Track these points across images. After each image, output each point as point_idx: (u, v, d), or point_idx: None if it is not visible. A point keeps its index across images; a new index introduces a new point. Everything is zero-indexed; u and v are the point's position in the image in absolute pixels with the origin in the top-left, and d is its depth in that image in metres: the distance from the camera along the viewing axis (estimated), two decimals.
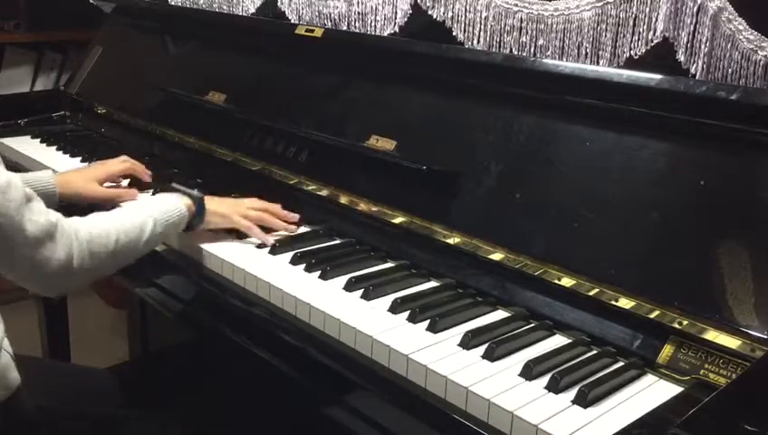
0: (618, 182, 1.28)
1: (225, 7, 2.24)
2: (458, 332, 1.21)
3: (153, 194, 1.68)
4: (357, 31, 1.86)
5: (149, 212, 1.39)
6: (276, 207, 1.59)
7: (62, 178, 1.69)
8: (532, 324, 1.26)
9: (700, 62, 1.32)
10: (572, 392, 1.06)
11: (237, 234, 1.55)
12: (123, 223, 1.34)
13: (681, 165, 1.24)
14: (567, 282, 1.25)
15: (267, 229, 1.54)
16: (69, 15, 2.87)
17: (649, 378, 1.13)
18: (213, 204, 1.52)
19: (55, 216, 1.23)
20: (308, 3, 1.97)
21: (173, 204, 1.45)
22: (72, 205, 1.65)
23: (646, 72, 1.29)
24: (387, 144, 1.58)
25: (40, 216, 1.19)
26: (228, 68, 2.10)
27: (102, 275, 1.34)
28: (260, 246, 1.50)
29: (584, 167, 1.32)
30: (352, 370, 1.20)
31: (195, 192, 1.50)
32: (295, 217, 1.61)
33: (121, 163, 1.76)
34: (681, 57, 1.34)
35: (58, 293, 1.38)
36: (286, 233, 1.57)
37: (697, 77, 1.32)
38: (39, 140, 2.18)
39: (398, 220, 1.50)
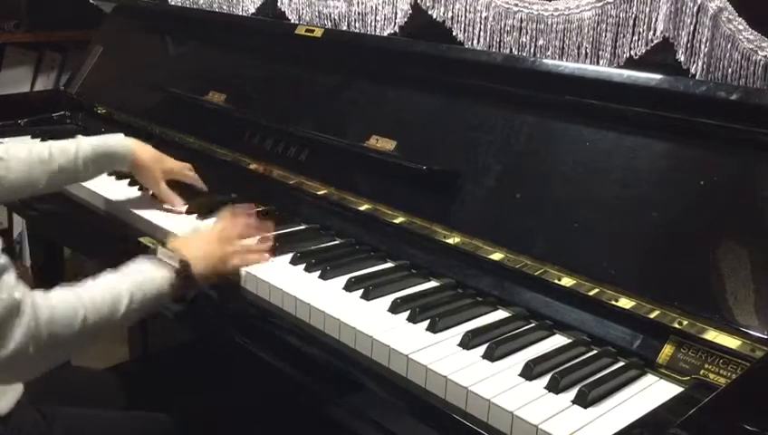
0: (618, 182, 1.28)
1: (224, 7, 2.24)
2: (458, 332, 1.21)
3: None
4: (357, 31, 1.86)
5: (125, 286, 1.24)
6: (250, 223, 1.48)
7: (136, 146, 1.70)
8: (532, 324, 1.26)
9: (700, 62, 1.32)
10: (573, 392, 1.06)
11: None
12: (94, 299, 1.19)
13: (681, 165, 1.24)
14: (567, 282, 1.25)
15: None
16: (69, 15, 2.87)
17: (649, 378, 1.13)
18: (199, 265, 1.34)
19: (21, 292, 1.09)
20: (308, 3, 1.97)
21: (152, 279, 1.27)
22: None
23: (646, 72, 1.29)
24: (387, 144, 1.58)
25: (2, 292, 1.06)
26: (228, 68, 2.10)
27: (67, 357, 1.23)
28: None
29: (584, 167, 1.32)
30: (352, 370, 1.20)
31: (177, 264, 1.31)
32: (269, 225, 1.52)
33: (189, 170, 1.76)
34: (681, 57, 1.34)
35: (11, 381, 1.23)
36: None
37: (697, 77, 1.32)
38: (39, 140, 2.18)
39: (398, 220, 1.50)
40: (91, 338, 1.21)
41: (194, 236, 1.44)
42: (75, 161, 1.62)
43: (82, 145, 1.64)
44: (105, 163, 1.68)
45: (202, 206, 1.69)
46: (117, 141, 1.69)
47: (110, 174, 1.83)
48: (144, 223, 1.65)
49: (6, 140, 2.17)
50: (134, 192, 1.78)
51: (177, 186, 1.74)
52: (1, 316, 1.06)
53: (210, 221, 1.58)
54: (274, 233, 1.54)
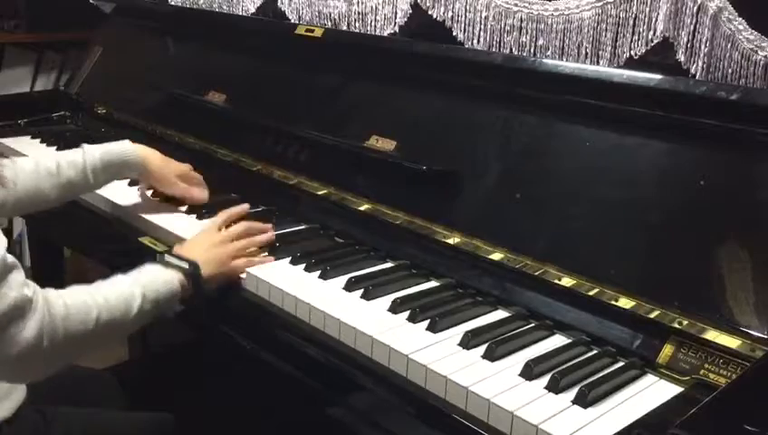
0: (617, 182, 1.28)
1: (225, 7, 2.24)
2: (458, 332, 1.21)
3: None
4: (357, 31, 1.86)
5: (138, 287, 1.25)
6: (250, 224, 1.49)
7: (146, 153, 1.67)
8: (532, 324, 1.26)
9: (700, 62, 1.32)
10: (572, 392, 1.06)
11: None
12: (107, 298, 1.20)
13: (681, 165, 1.24)
14: (567, 282, 1.25)
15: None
16: (69, 15, 2.86)
17: (649, 378, 1.13)
18: (206, 268, 1.36)
19: (32, 289, 1.10)
20: (308, 3, 1.97)
21: (164, 280, 1.29)
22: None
23: (646, 72, 1.29)
24: (387, 144, 1.58)
25: (12, 290, 1.06)
26: (228, 68, 2.10)
27: (80, 357, 1.23)
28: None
29: (584, 167, 1.32)
30: (352, 370, 1.19)
31: (186, 266, 1.33)
32: (269, 225, 1.53)
33: (190, 170, 1.74)
34: (681, 57, 1.34)
35: (25, 379, 1.23)
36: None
37: (697, 77, 1.32)
38: (39, 140, 2.18)
39: (398, 220, 1.50)
40: (105, 338, 1.21)
41: (197, 240, 1.44)
42: (84, 173, 1.59)
43: (90, 155, 1.60)
44: (115, 172, 1.65)
45: (202, 206, 1.69)
46: (125, 149, 1.65)
47: None
48: (144, 223, 1.65)
49: (10, 140, 2.17)
50: (134, 192, 1.78)
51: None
52: (11, 313, 1.06)
53: (208, 222, 1.57)
54: (276, 233, 1.54)
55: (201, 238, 1.45)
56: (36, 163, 1.56)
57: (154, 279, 1.29)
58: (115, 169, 1.64)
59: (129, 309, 1.22)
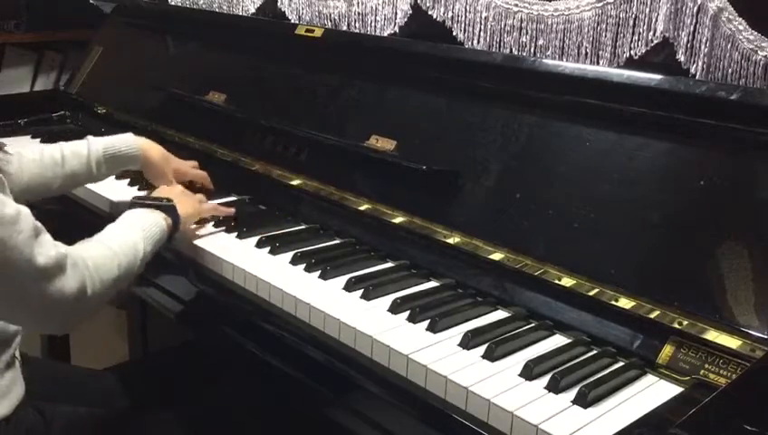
0: (617, 182, 1.28)
1: (225, 7, 2.24)
2: (458, 332, 1.21)
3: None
4: (357, 31, 1.86)
5: (137, 231, 1.37)
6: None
7: (146, 146, 1.72)
8: (532, 324, 1.26)
9: (700, 63, 1.32)
10: (572, 392, 1.06)
11: (238, 234, 1.55)
12: (121, 246, 1.31)
13: (681, 165, 1.24)
14: (567, 282, 1.25)
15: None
16: (69, 15, 2.86)
17: (649, 378, 1.13)
18: (180, 207, 1.49)
19: (64, 247, 1.20)
20: (308, 3, 1.97)
21: (153, 220, 1.42)
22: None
23: (646, 72, 1.29)
24: (387, 144, 1.59)
25: (49, 248, 1.16)
26: (228, 68, 2.10)
27: (106, 302, 1.32)
28: (259, 245, 1.50)
29: (584, 167, 1.32)
30: (352, 370, 1.20)
31: (164, 201, 1.47)
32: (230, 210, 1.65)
33: (195, 168, 1.79)
34: (681, 57, 1.34)
35: (71, 327, 1.33)
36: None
37: (697, 77, 1.32)
38: (39, 140, 2.18)
39: (398, 220, 1.50)
40: (124, 282, 1.32)
41: (168, 188, 1.62)
42: (88, 163, 1.64)
43: (94, 146, 1.65)
44: (117, 164, 1.69)
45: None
46: (127, 141, 1.70)
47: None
48: None
49: (10, 140, 2.17)
50: (134, 192, 1.78)
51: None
52: (52, 270, 1.15)
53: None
54: (277, 233, 1.54)
55: (171, 187, 1.62)
56: (41, 152, 1.61)
57: (146, 222, 1.40)
58: (117, 161, 1.69)
59: (137, 253, 1.34)
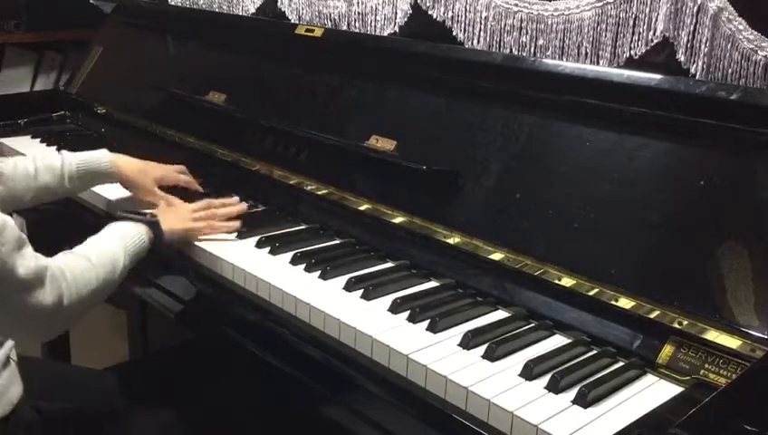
0: (617, 182, 1.28)
1: (225, 7, 2.24)
2: (458, 332, 1.21)
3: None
4: (357, 31, 1.86)
5: (118, 244, 1.38)
6: (214, 201, 1.63)
7: (120, 162, 1.72)
8: (532, 324, 1.26)
9: (700, 63, 1.32)
10: (572, 392, 1.06)
11: (238, 234, 1.55)
12: (99, 258, 1.33)
13: (681, 165, 1.24)
14: (567, 282, 1.25)
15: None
16: (69, 15, 2.86)
17: (649, 378, 1.13)
18: (166, 221, 1.50)
19: (44, 259, 1.22)
20: (308, 3, 1.97)
21: (134, 232, 1.43)
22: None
23: (646, 72, 1.29)
24: (387, 144, 1.58)
25: (30, 260, 1.18)
26: (228, 68, 2.10)
27: (85, 313, 1.34)
28: (259, 245, 1.50)
29: (584, 167, 1.32)
30: (352, 370, 1.19)
31: (147, 216, 1.48)
32: (235, 199, 1.65)
33: (179, 173, 1.77)
34: (681, 57, 1.34)
35: (52, 335, 1.37)
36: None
37: (697, 77, 1.32)
38: (39, 139, 2.18)
39: (398, 220, 1.50)
40: (102, 294, 1.34)
41: (163, 207, 1.62)
42: (61, 177, 1.66)
43: (67, 160, 1.67)
44: (90, 179, 1.71)
45: None
46: (100, 158, 1.71)
47: None
48: None
49: (7, 140, 2.17)
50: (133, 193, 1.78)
51: (173, 189, 1.74)
52: (31, 281, 1.18)
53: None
54: (276, 233, 1.54)
55: (165, 207, 1.62)
56: (15, 165, 1.61)
57: (128, 235, 1.41)
58: (90, 177, 1.70)
59: (117, 265, 1.35)
